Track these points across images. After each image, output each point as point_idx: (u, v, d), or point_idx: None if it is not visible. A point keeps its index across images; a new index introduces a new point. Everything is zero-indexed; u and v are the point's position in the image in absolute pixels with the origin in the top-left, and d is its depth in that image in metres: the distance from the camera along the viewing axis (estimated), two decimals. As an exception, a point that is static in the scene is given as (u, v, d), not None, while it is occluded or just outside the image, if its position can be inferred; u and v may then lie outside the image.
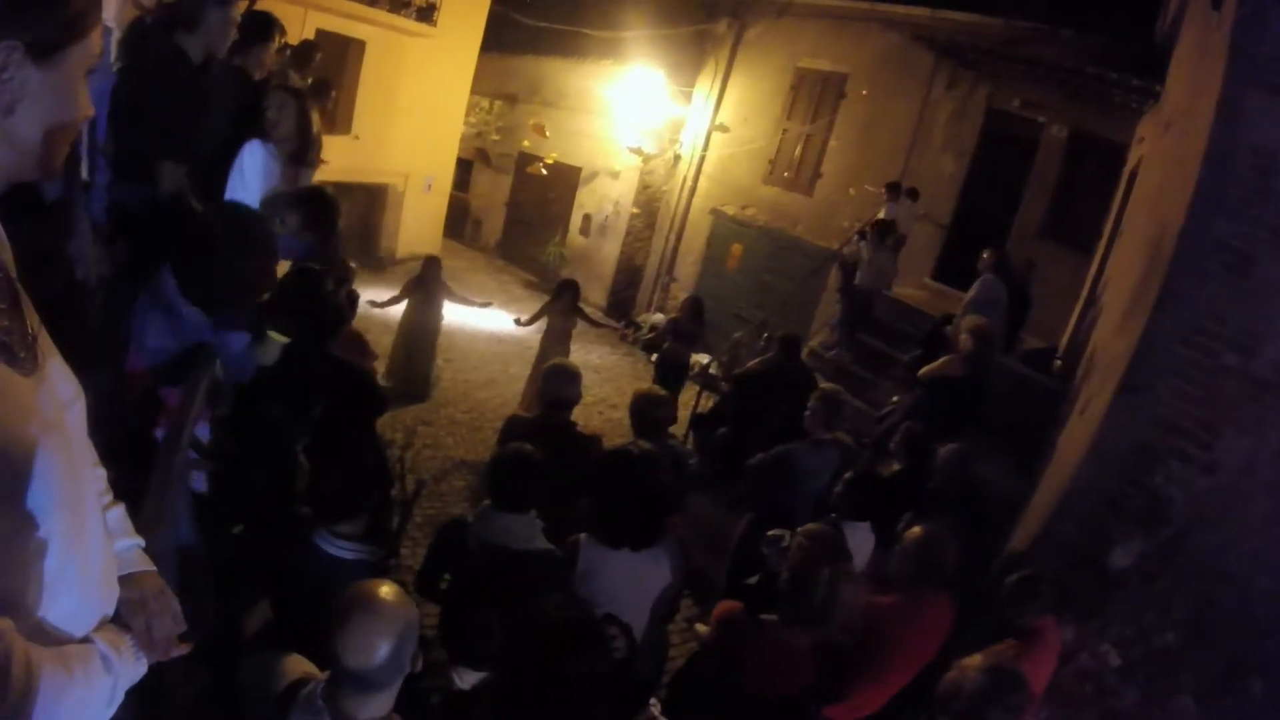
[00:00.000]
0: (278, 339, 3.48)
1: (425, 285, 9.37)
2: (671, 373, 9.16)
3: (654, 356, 13.23)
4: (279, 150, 4.07)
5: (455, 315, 10.09)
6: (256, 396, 3.83)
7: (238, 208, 3.55)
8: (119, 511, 1.52)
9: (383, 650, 1.89)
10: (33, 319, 1.19)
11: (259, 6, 6.19)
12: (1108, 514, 3.91)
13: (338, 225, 3.75)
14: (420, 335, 9.56)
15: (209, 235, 3.13)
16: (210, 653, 2.87)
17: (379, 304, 9.45)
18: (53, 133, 1.14)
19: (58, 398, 1.23)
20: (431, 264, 9.50)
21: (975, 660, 2.61)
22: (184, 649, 1.50)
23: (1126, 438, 4.00)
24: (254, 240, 3.20)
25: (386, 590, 1.99)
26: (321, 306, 3.75)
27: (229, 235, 3.17)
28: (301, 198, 3.71)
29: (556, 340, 9.24)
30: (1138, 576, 3.68)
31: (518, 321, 9.66)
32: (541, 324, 9.38)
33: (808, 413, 4.99)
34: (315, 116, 4.55)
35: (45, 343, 1.22)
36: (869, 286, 9.81)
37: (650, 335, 14.29)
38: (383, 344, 10.04)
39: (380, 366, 9.28)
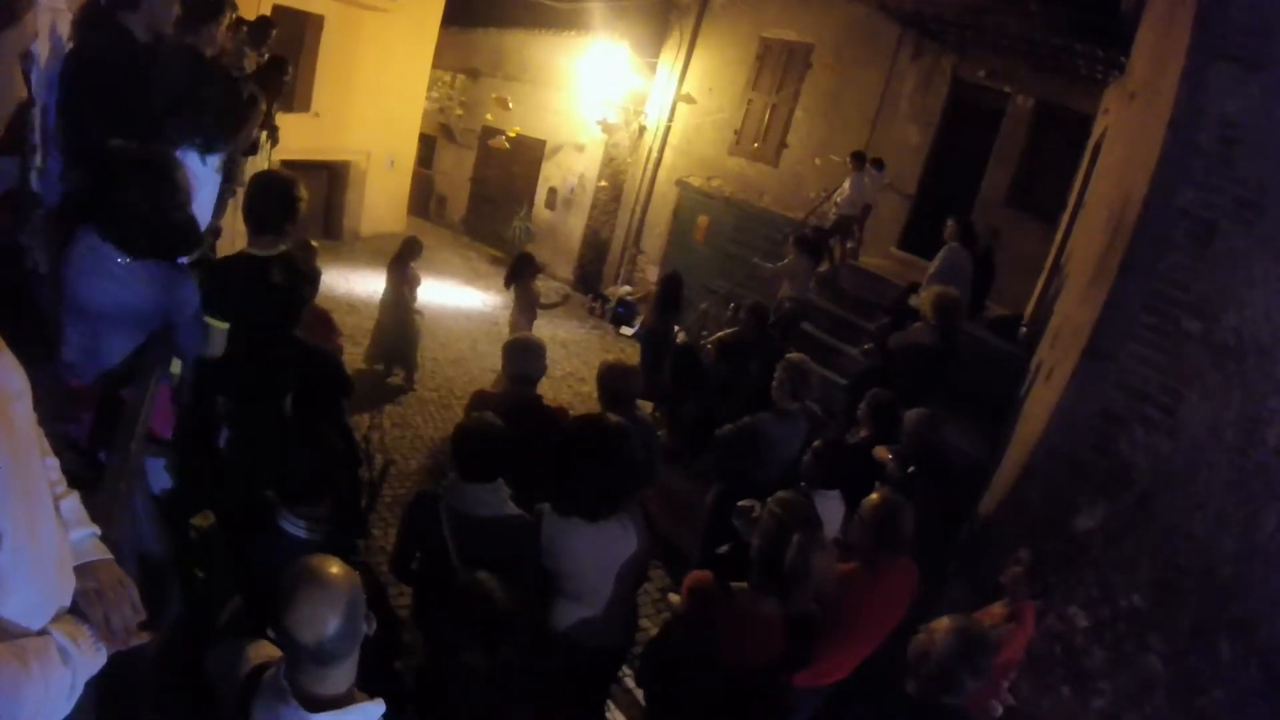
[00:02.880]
0: (217, 325, 3.42)
1: (404, 265, 9.28)
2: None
3: (622, 329, 13.27)
4: (235, 151, 4.01)
5: (423, 293, 9.95)
6: (214, 386, 3.78)
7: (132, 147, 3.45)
8: (73, 501, 1.50)
9: (333, 622, 1.90)
10: None
11: (212, -20, 6.07)
12: (1072, 478, 3.96)
13: (297, 210, 3.69)
14: (404, 315, 9.46)
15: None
16: (179, 644, 2.84)
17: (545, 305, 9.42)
18: None
19: (5, 389, 1.19)
20: (410, 244, 9.42)
21: (943, 623, 2.63)
22: (144, 638, 1.48)
23: (1090, 403, 4.05)
24: (153, 169, 3.12)
25: (327, 562, 1.99)
26: (270, 293, 3.69)
27: (129, 168, 3.09)
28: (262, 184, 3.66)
29: (522, 315, 9.21)
30: (1103, 539, 3.73)
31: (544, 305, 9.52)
32: (507, 301, 9.32)
33: (774, 382, 4.99)
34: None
35: None
36: (794, 295, 9.52)
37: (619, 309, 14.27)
38: (347, 324, 9.95)
39: (345, 345, 9.18)
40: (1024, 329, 8.14)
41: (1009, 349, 7.61)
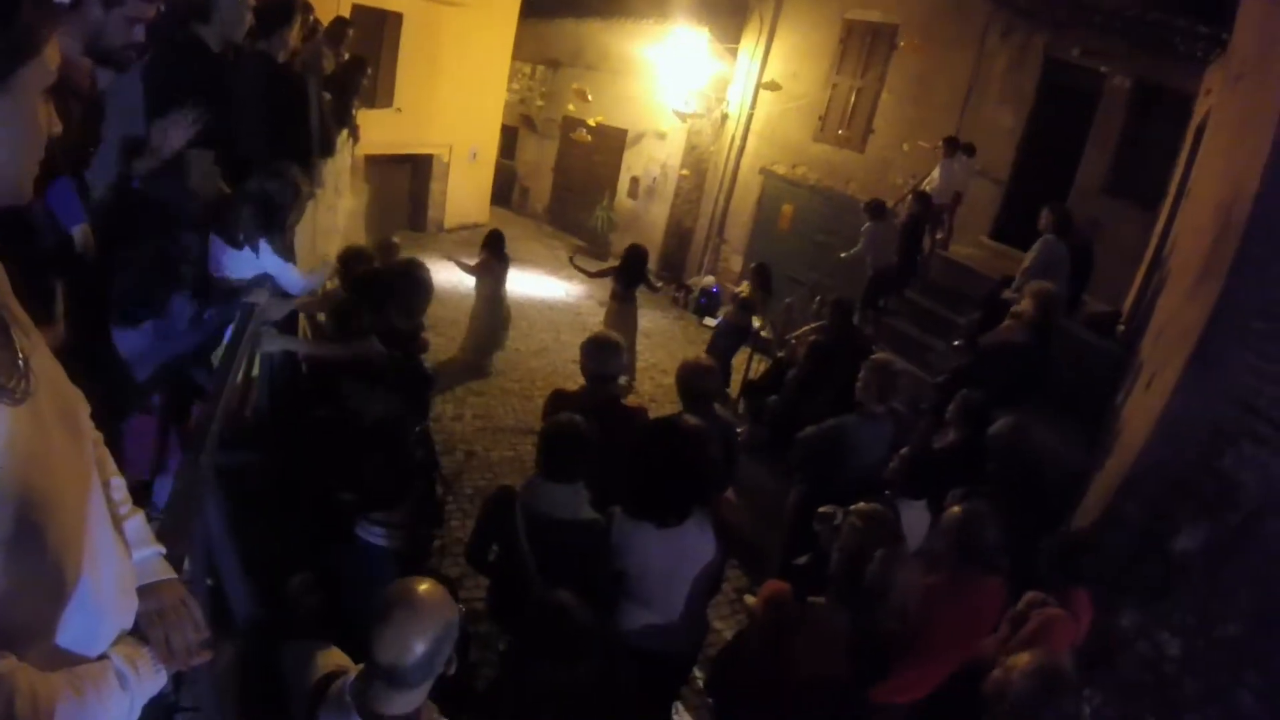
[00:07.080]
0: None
1: (492, 260, 9.43)
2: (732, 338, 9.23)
3: (705, 319, 13.23)
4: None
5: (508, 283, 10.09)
6: (312, 393, 3.84)
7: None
8: (138, 520, 1.50)
9: (418, 649, 1.88)
10: (24, 342, 1.12)
11: (295, -16, 6.15)
12: (1174, 496, 3.71)
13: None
14: (499, 309, 9.71)
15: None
16: (256, 632, 2.88)
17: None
18: (18, 157, 1.09)
19: (58, 411, 1.19)
20: (494, 239, 9.57)
21: (1022, 660, 2.51)
22: (205, 657, 1.49)
23: (1196, 416, 3.79)
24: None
25: (429, 589, 1.98)
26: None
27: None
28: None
29: (626, 305, 9.35)
30: (1203, 562, 3.48)
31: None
32: (591, 291, 9.34)
33: (860, 384, 4.84)
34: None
35: (40, 361, 1.16)
36: (877, 265, 9.57)
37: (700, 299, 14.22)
38: (432, 316, 10.05)
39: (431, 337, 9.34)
40: (1121, 326, 7.76)
41: (1107, 347, 7.26)
